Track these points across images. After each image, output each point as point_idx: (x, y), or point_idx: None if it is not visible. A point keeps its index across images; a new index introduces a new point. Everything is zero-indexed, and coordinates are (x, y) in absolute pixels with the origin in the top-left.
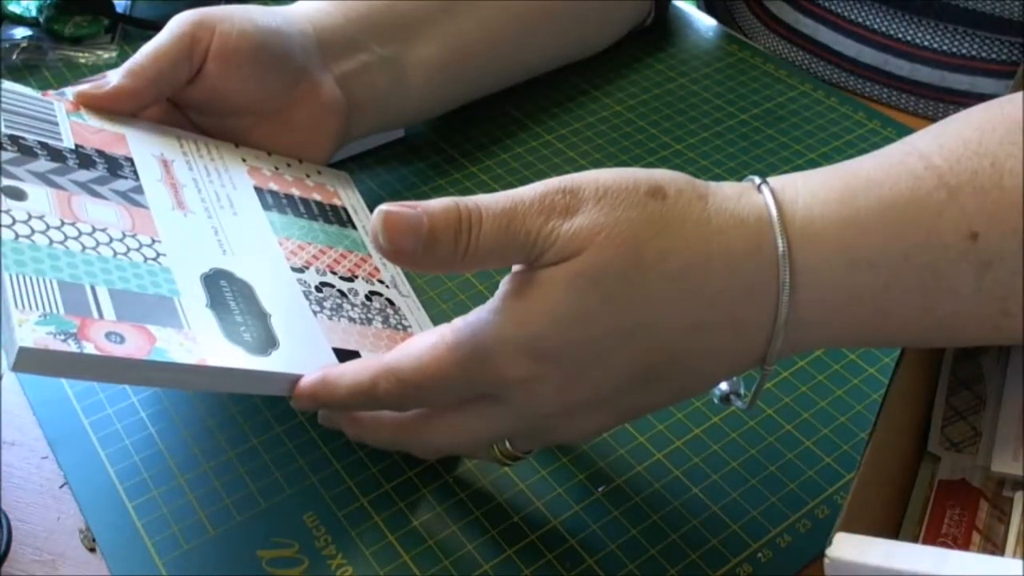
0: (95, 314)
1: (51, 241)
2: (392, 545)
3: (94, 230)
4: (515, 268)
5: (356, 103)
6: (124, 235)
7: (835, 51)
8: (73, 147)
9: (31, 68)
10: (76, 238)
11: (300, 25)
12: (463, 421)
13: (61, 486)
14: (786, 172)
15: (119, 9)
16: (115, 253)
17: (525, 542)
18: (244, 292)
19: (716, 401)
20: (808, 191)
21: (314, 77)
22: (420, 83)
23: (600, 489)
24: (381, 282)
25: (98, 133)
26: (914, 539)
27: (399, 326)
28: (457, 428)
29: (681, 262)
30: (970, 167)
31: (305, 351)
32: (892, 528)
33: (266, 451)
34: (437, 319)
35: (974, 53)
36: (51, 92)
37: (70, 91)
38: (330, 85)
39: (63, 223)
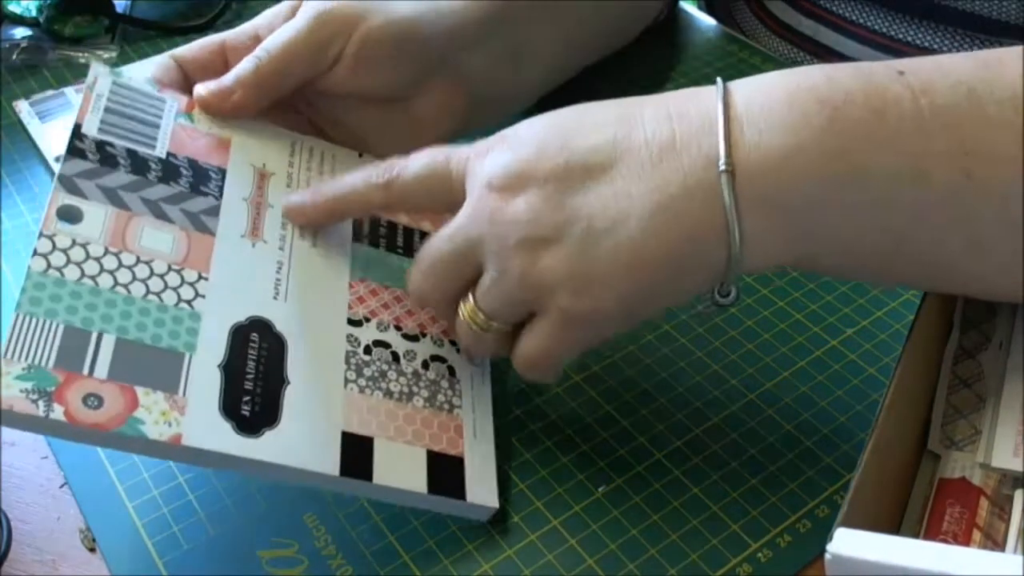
0: (86, 369)
1: (82, 274)
2: (392, 545)
3: (137, 261)
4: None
5: (477, 101)
6: (169, 268)
7: (836, 52)
8: (163, 156)
9: (31, 68)
10: (113, 271)
11: (430, 18)
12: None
13: (61, 486)
14: None
15: (119, 9)
16: (147, 292)
17: (525, 542)
18: (273, 350)
19: (700, 309)
20: (754, 88)
21: (444, 72)
22: (533, 76)
23: (600, 489)
24: (453, 343)
25: (201, 138)
26: (914, 536)
27: (445, 405)
28: (485, 301)
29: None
30: (957, 96)
31: (307, 435)
32: (893, 526)
33: None
34: (503, 397)
35: None
36: (167, 90)
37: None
38: (455, 85)
39: (107, 251)
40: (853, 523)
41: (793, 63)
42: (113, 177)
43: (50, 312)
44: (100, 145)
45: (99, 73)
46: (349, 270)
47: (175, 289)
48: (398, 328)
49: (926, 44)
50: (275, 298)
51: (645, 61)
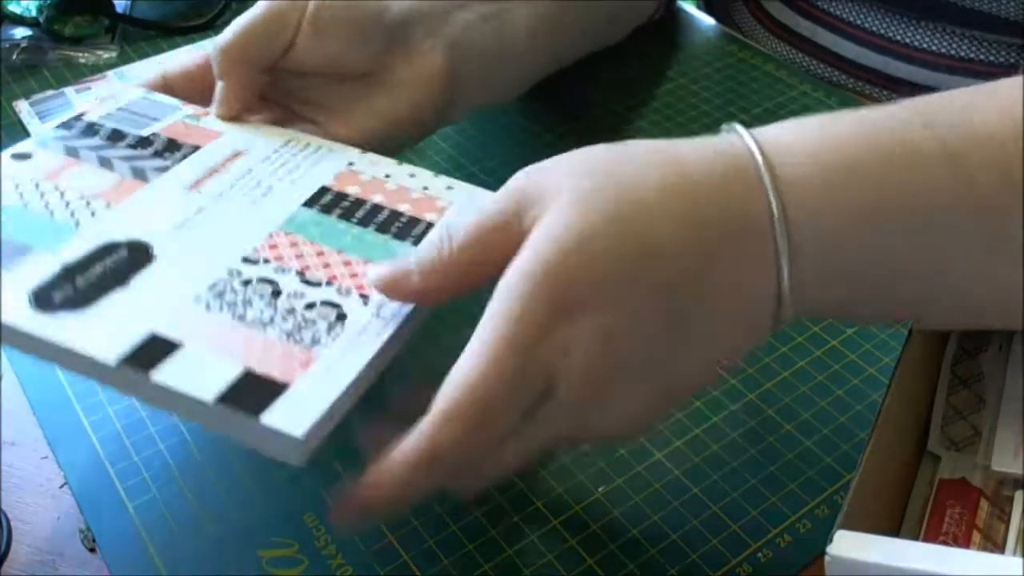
0: None
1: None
2: (392, 545)
3: (55, 189)
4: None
5: (459, 68)
6: (82, 196)
7: (834, 53)
8: (146, 136)
9: (31, 68)
10: (23, 191)
11: None
12: (530, 432)
13: (61, 486)
14: None
15: (119, 9)
16: (45, 206)
17: (525, 542)
18: (132, 263)
19: None
20: (779, 126)
21: (413, 41)
22: (522, 46)
23: (600, 489)
24: (364, 297)
25: (195, 131)
26: (914, 538)
27: (304, 341)
28: (528, 441)
29: (661, 174)
30: (969, 129)
31: (105, 327)
32: (892, 527)
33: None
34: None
35: (972, 56)
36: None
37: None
38: (431, 50)
39: (35, 183)
40: (853, 525)
41: (791, 63)
42: (83, 141)
43: None
44: (91, 124)
45: (127, 90)
46: (278, 224)
47: (71, 210)
48: (300, 274)
49: (924, 45)
50: (170, 229)
51: (644, 60)
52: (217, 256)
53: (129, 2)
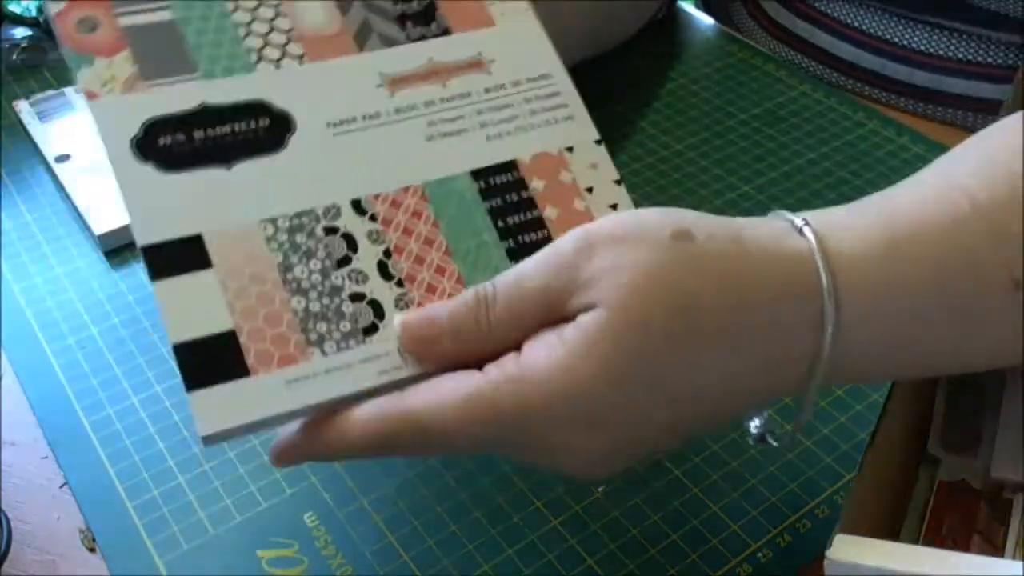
0: (117, 7)
1: None
2: (392, 545)
3: (275, 8)
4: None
5: None
6: (287, 32)
7: (832, 55)
8: None
9: (31, 68)
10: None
11: None
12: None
13: (61, 486)
14: (786, 172)
15: None
16: (247, 25)
17: (525, 542)
18: (255, 141)
19: (752, 442)
20: (852, 235)
21: None
22: None
23: (600, 489)
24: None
25: (470, 4)
26: (914, 540)
27: (312, 336)
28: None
29: (718, 304)
30: (1015, 207)
31: (173, 203)
32: (892, 530)
33: (266, 451)
34: None
35: (970, 57)
36: None
37: None
38: None
39: None
40: (853, 527)
41: (790, 63)
42: None
43: None
44: None
45: None
46: (424, 178)
47: (265, 41)
48: (387, 254)
49: (921, 47)
50: (324, 126)
51: (644, 59)
52: (335, 182)
53: None
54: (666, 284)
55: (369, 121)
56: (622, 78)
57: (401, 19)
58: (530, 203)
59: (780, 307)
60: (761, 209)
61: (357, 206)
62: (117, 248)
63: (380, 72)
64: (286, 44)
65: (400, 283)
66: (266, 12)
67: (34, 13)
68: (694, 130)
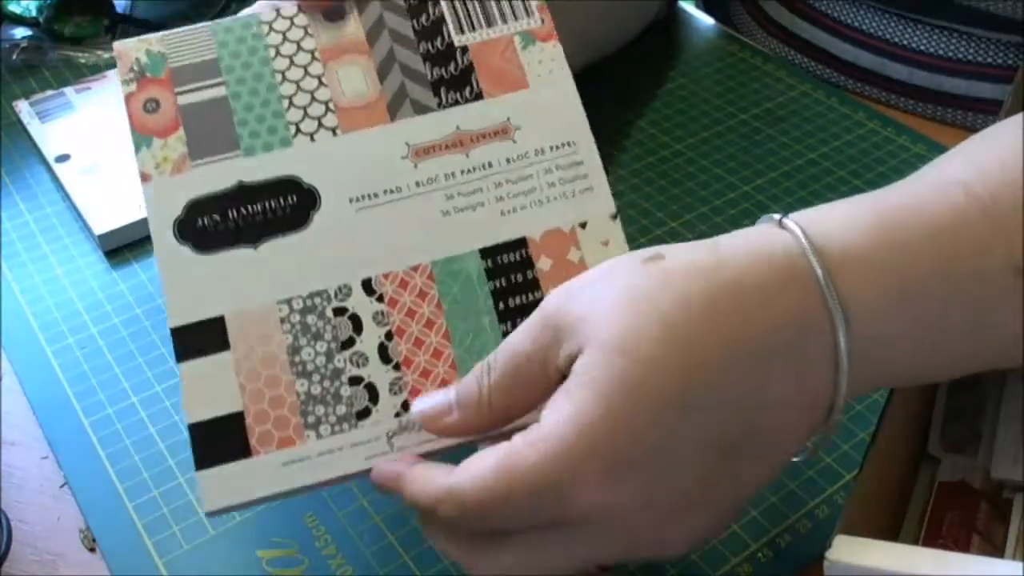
0: (177, 85)
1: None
2: (392, 545)
3: (318, 79)
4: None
5: None
6: (326, 102)
7: (832, 55)
8: (457, 44)
9: (31, 68)
10: (294, 62)
11: None
12: (539, 546)
13: (61, 486)
14: (786, 172)
15: (119, 9)
16: (290, 96)
17: None
18: (281, 219)
19: None
20: (837, 220)
21: None
22: None
23: None
24: (404, 406)
25: (507, 64)
26: (914, 541)
27: (313, 421)
28: (533, 553)
29: (707, 299)
30: (1012, 195)
31: (201, 286)
32: (892, 530)
33: None
34: None
35: (970, 57)
36: None
37: None
38: None
39: (311, 56)
40: (853, 528)
41: (790, 63)
42: (396, 19)
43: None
44: None
45: None
46: (432, 256)
47: (303, 111)
48: (388, 336)
49: (921, 47)
50: (346, 202)
51: (644, 59)
52: (351, 260)
53: (129, 2)
54: (648, 298)
55: (390, 196)
56: (622, 78)
57: (436, 84)
58: (534, 284)
59: (774, 298)
60: (761, 209)
61: (367, 286)
62: (117, 248)
63: (407, 142)
64: (323, 116)
65: (397, 367)
66: (309, 83)
67: (34, 13)
68: (694, 130)
